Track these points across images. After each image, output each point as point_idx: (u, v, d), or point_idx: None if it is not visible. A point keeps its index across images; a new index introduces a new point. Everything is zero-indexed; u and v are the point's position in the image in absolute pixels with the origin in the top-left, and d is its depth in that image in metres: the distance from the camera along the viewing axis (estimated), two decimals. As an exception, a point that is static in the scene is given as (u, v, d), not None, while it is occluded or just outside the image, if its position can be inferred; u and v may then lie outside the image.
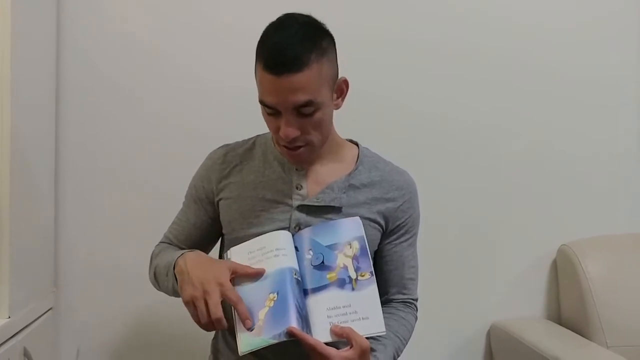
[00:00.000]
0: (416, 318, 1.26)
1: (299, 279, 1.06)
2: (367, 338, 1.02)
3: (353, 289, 1.05)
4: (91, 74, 1.72)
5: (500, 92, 1.90)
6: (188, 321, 1.03)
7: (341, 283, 1.05)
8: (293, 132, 1.08)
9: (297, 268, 1.07)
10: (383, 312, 1.11)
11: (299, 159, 1.16)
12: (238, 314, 1.00)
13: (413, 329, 1.23)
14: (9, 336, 1.32)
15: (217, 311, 0.99)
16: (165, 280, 1.15)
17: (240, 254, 1.10)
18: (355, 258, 1.08)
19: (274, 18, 1.12)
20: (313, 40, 1.06)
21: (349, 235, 1.10)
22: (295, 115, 1.07)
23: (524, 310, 1.90)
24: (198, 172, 1.28)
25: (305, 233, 1.12)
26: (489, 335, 1.88)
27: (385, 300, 1.22)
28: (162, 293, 1.21)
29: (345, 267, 1.07)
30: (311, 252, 1.09)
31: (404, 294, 1.24)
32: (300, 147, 1.12)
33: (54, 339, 1.70)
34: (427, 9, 1.86)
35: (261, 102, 1.09)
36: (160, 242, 1.30)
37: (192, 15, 1.75)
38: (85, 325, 1.73)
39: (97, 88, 1.72)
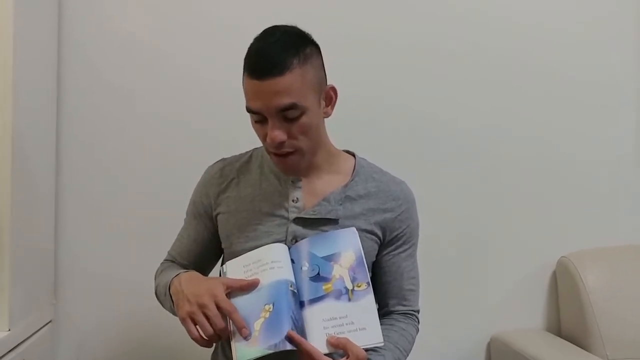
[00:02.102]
0: (417, 330, 1.25)
1: (295, 290, 1.06)
2: (365, 349, 1.02)
3: (349, 299, 1.05)
4: (93, 75, 1.73)
5: (500, 94, 1.90)
6: (188, 335, 1.03)
7: (337, 294, 1.05)
8: (280, 136, 1.08)
9: (293, 280, 1.07)
10: (383, 324, 1.11)
11: (289, 166, 1.16)
12: (234, 323, 1.00)
13: (414, 341, 1.22)
14: (9, 349, 1.33)
15: (219, 322, 0.99)
16: (165, 300, 1.17)
17: (236, 268, 1.10)
18: (351, 269, 1.08)
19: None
20: (295, 46, 1.08)
21: (344, 246, 1.10)
22: (281, 120, 1.08)
23: (523, 322, 1.90)
24: (196, 187, 1.29)
25: (301, 245, 1.13)
26: (489, 347, 1.88)
27: (386, 312, 1.22)
28: (163, 308, 1.22)
29: (342, 278, 1.07)
30: (307, 264, 1.09)
31: (404, 305, 1.23)
32: (289, 153, 1.12)
33: (54, 351, 1.69)
34: (426, 9, 1.86)
35: (248, 109, 1.10)
36: (165, 260, 1.31)
37: (193, 16, 1.76)
38: (85, 337, 1.73)
39: (98, 90, 1.73)
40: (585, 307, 1.74)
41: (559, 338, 1.83)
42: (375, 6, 1.84)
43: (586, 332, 1.74)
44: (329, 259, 1.09)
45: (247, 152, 1.29)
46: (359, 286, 1.06)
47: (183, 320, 1.03)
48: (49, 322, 1.64)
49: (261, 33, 1.12)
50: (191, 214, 1.28)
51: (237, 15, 1.76)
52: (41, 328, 1.56)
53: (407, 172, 1.31)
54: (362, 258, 1.09)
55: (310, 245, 1.11)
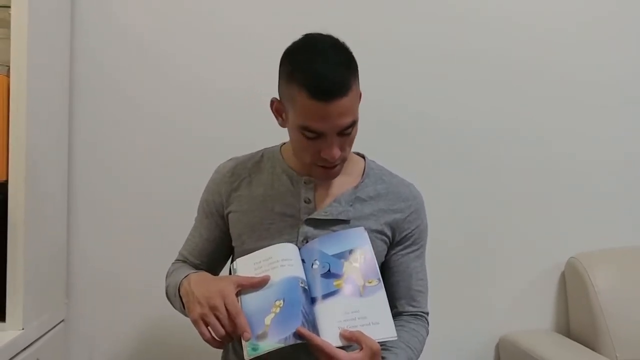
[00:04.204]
0: (427, 332, 1.25)
1: (306, 287, 1.07)
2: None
3: (361, 295, 1.06)
4: (104, 81, 1.74)
5: (505, 96, 1.90)
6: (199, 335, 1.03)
7: (349, 290, 1.06)
8: (338, 153, 1.10)
9: (304, 277, 1.08)
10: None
11: (335, 175, 1.18)
12: (237, 326, 1.00)
13: (425, 342, 1.23)
14: (23, 347, 1.35)
15: (231, 325, 1.00)
16: (175, 300, 1.18)
17: (247, 265, 1.11)
18: (361, 266, 1.09)
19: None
20: (349, 63, 1.10)
21: (354, 244, 1.12)
22: (338, 136, 1.09)
23: (532, 323, 1.90)
24: (208, 186, 1.29)
25: (311, 244, 1.14)
26: (497, 348, 1.88)
27: (395, 314, 1.22)
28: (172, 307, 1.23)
29: (352, 275, 1.08)
30: (317, 262, 1.10)
31: (413, 306, 1.24)
32: (336, 164, 1.14)
33: (66, 350, 1.71)
34: (427, 9, 1.86)
35: (305, 128, 1.08)
36: (176, 260, 1.31)
37: (205, 22, 1.77)
38: (97, 336, 1.74)
39: (110, 95, 1.74)
40: (594, 307, 1.74)
41: (568, 339, 1.83)
42: (376, 7, 1.84)
43: (595, 332, 1.74)
44: (339, 256, 1.10)
45: (258, 152, 1.30)
46: (370, 282, 1.07)
47: (195, 322, 1.03)
48: (62, 321, 1.66)
49: (308, 48, 1.10)
50: (202, 213, 1.29)
51: (250, 23, 1.76)
52: (54, 327, 1.58)
53: (414, 174, 1.31)
54: (372, 255, 1.10)
55: (320, 245, 1.13)
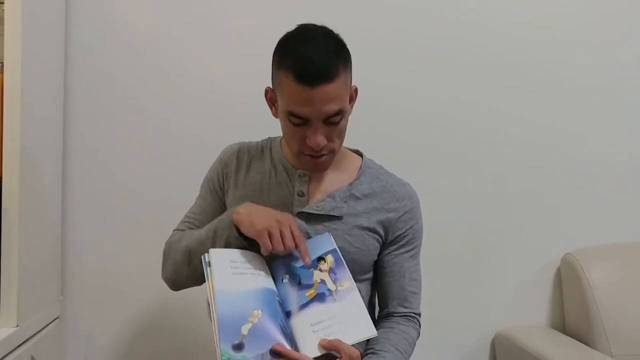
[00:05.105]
0: (419, 333, 1.24)
1: (280, 302, 1.06)
2: (367, 351, 1.02)
3: (335, 300, 1.06)
4: (99, 79, 1.74)
5: (505, 97, 1.90)
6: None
7: (321, 297, 1.06)
8: (323, 141, 1.10)
9: (278, 292, 1.08)
10: (384, 327, 1.11)
11: (323, 167, 1.17)
12: (300, 252, 1.07)
13: (415, 343, 1.21)
14: (17, 344, 1.35)
15: (291, 242, 1.06)
16: (204, 244, 1.13)
17: (223, 259, 1.07)
18: (331, 271, 1.09)
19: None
20: (339, 51, 1.10)
21: (321, 251, 1.11)
22: (324, 124, 1.09)
23: (528, 319, 1.90)
24: (212, 166, 1.30)
25: (278, 260, 1.13)
26: (493, 344, 1.88)
27: (387, 314, 1.22)
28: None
29: (323, 281, 1.08)
30: (287, 276, 1.10)
31: (405, 307, 1.22)
32: (324, 155, 1.14)
33: (61, 347, 1.71)
34: (428, 8, 1.86)
35: (290, 113, 1.09)
36: (176, 230, 1.28)
37: (202, 20, 1.77)
38: (92, 334, 1.74)
39: (105, 93, 1.74)
40: (589, 303, 1.75)
41: (563, 335, 1.83)
42: (376, 7, 1.84)
43: (590, 328, 1.74)
44: (307, 266, 1.10)
45: (263, 140, 1.31)
46: (342, 285, 1.07)
47: (259, 233, 1.05)
48: (56, 318, 1.66)
49: (298, 35, 1.11)
50: (207, 190, 1.29)
51: (247, 22, 1.77)
52: (49, 324, 1.58)
53: (415, 173, 1.32)
54: (341, 258, 1.10)
55: (287, 259, 1.12)
